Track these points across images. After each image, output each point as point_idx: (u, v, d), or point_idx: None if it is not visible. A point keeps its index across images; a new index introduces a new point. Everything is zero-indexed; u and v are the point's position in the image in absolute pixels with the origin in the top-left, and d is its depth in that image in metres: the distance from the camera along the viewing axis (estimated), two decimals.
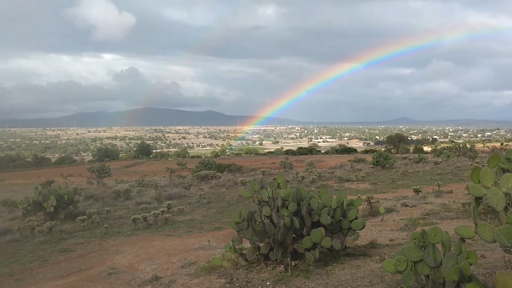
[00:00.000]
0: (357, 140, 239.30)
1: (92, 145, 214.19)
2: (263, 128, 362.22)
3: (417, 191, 17.00)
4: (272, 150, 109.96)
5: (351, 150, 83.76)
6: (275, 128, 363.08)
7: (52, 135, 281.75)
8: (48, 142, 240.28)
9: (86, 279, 9.49)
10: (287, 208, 7.93)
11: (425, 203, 15.25)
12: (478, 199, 5.18)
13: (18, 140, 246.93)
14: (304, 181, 25.58)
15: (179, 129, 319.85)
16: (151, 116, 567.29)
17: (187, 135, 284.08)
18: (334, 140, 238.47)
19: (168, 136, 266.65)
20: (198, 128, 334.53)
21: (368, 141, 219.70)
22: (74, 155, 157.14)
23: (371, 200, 14.10)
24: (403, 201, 15.36)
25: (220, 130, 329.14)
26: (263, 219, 8.04)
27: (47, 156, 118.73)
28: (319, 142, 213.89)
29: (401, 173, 27.92)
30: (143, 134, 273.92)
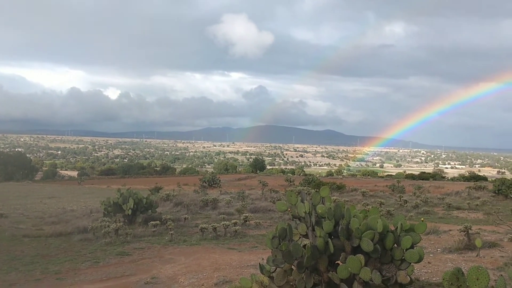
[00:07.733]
0: (490, 168, 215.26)
1: (216, 158, 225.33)
2: (385, 150, 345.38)
3: None
4: (393, 174, 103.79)
5: (481, 178, 75.00)
6: (398, 150, 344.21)
7: (182, 147, 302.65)
8: (178, 153, 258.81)
9: (122, 285, 9.07)
10: (321, 227, 6.55)
11: None
12: None
13: (152, 150, 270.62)
14: (405, 205, 22.97)
15: (298, 147, 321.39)
16: (273, 133, 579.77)
17: (305, 153, 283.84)
18: (463, 167, 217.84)
19: (286, 154, 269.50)
20: (317, 147, 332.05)
21: (503, 170, 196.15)
22: (199, 166, 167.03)
23: (469, 230, 11.67)
24: None
25: (339, 150, 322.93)
26: (291, 238, 6.75)
27: (174, 166, 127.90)
28: (446, 168, 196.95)
29: None
30: (263, 151, 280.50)
